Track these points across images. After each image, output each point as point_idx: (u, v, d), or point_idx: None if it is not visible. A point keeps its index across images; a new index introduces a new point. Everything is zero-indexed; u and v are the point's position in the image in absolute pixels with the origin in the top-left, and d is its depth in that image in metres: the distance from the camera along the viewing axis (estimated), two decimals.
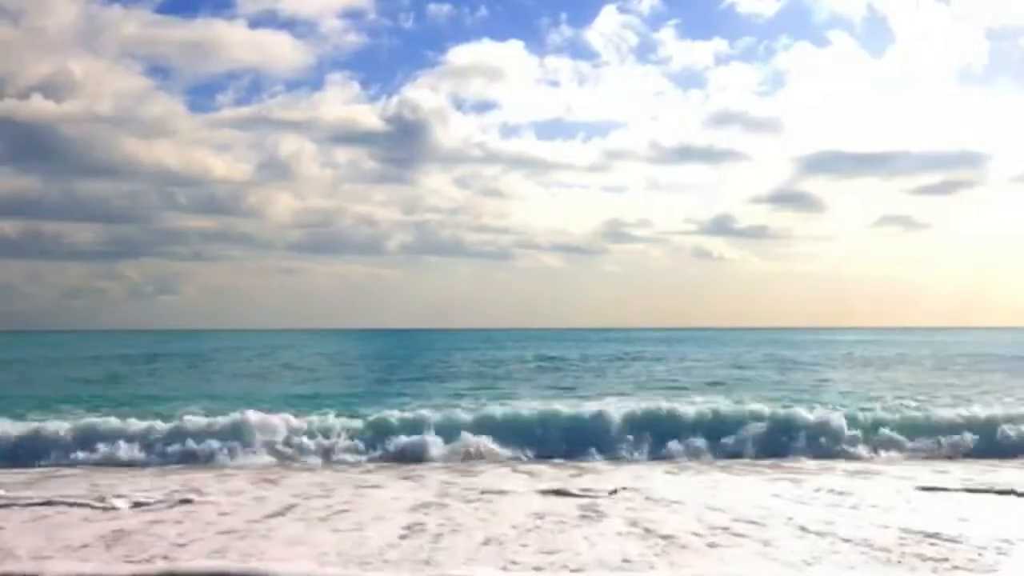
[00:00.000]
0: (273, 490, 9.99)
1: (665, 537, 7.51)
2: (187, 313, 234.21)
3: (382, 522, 8.13)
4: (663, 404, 14.81)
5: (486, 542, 7.32)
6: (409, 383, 25.58)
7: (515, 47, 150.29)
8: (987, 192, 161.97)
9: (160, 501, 9.12)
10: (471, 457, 12.60)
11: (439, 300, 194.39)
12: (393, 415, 14.10)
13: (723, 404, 15.44)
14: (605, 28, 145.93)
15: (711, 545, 7.24)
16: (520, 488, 10.01)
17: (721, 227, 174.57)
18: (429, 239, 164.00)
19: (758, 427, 13.70)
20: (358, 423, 13.88)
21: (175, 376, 31.45)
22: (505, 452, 12.83)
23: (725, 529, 7.82)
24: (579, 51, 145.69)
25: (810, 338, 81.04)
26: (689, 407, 14.70)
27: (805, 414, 14.13)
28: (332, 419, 13.88)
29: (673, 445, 13.12)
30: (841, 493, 9.66)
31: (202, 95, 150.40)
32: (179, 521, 8.19)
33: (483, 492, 9.74)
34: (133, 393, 22.56)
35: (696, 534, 7.62)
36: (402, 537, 7.53)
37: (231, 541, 7.38)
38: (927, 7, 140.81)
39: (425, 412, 14.11)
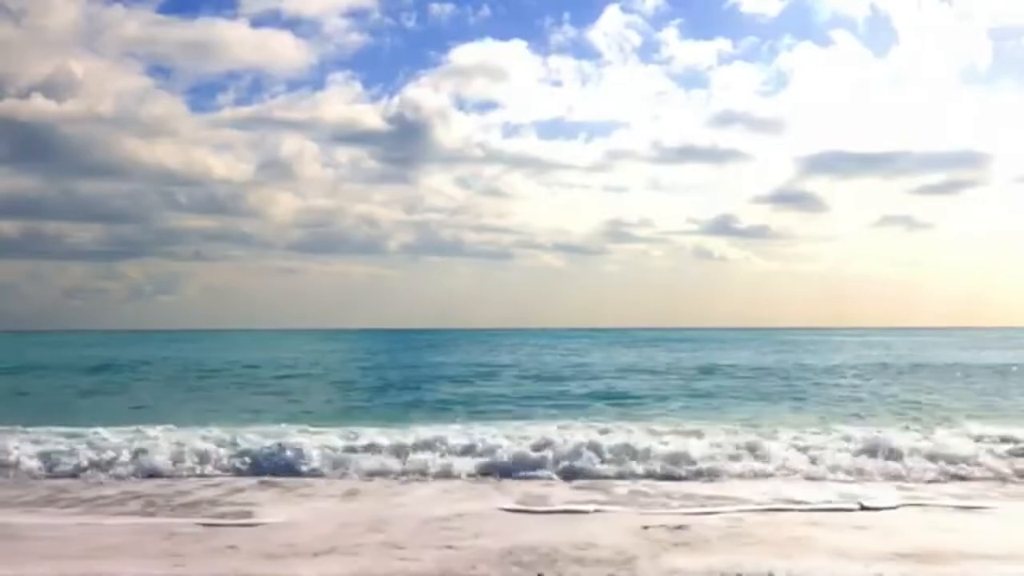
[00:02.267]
0: None
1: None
2: (187, 313, 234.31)
3: None
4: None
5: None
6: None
7: (518, 47, 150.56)
8: (990, 192, 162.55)
9: None
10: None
11: (440, 300, 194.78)
12: None
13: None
14: (608, 28, 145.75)
15: None
16: None
17: (723, 227, 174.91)
18: (430, 239, 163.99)
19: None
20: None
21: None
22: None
23: None
24: (582, 51, 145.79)
25: (808, 339, 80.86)
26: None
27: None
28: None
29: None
30: None
31: (203, 95, 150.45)
32: None
33: None
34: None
35: None
36: None
37: None
38: (930, 7, 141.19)
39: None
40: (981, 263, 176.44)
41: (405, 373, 33.65)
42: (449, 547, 7.26)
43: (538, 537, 7.55)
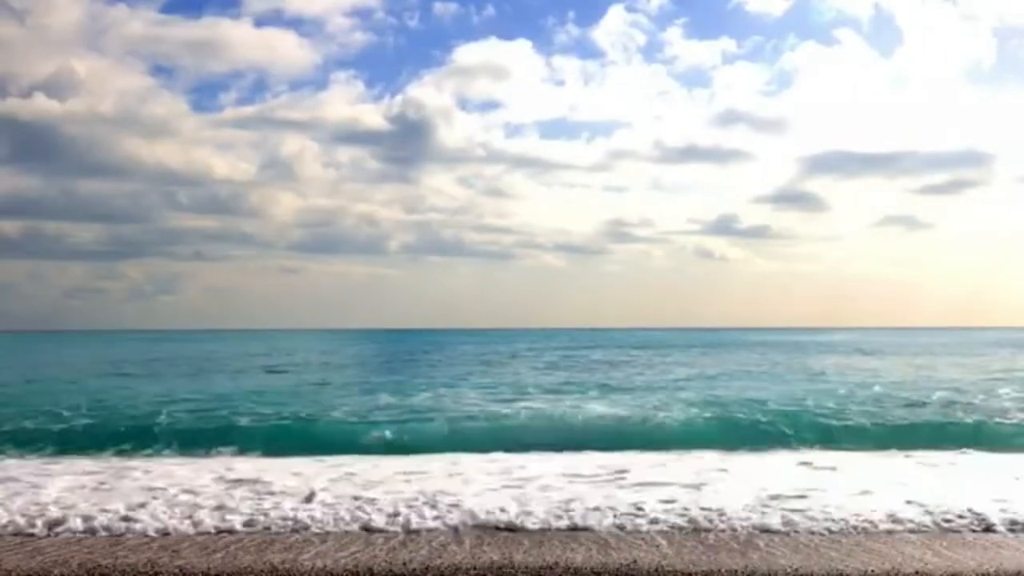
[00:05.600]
0: None
1: None
2: (188, 313, 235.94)
3: None
4: None
5: None
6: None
7: (522, 46, 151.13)
8: (993, 192, 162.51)
9: None
10: None
11: (440, 300, 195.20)
12: None
13: None
14: (612, 27, 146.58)
15: None
16: None
17: (724, 227, 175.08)
18: (431, 239, 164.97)
19: None
20: None
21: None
22: None
23: None
24: (585, 50, 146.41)
25: (808, 339, 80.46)
26: None
27: None
28: None
29: None
30: None
31: (205, 95, 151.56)
32: None
33: None
34: None
35: None
36: None
37: None
38: (934, 6, 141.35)
39: None
40: (981, 263, 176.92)
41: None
42: None
43: None
